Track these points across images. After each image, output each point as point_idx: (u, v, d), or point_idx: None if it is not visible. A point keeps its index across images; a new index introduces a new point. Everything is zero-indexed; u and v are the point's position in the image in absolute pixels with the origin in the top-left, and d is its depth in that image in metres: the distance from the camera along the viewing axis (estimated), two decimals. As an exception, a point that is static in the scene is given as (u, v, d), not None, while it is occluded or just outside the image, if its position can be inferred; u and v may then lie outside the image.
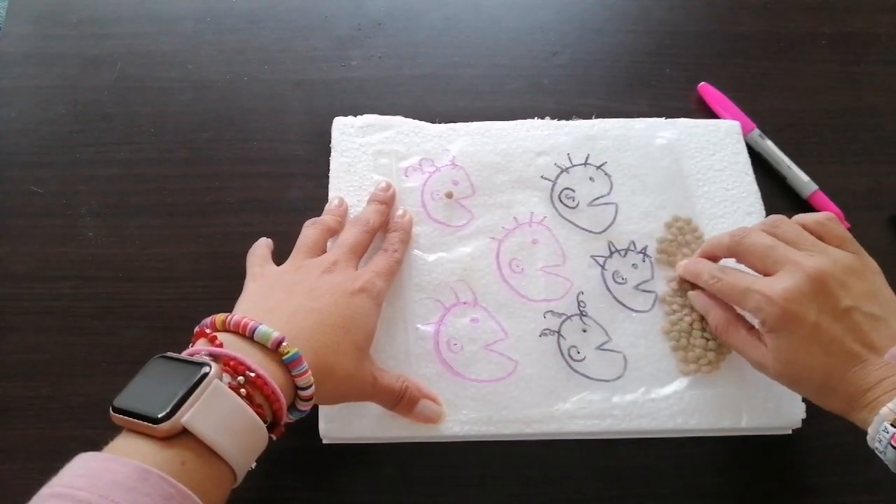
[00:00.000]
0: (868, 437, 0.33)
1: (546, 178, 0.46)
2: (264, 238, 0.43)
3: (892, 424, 0.31)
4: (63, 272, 0.45)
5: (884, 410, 0.31)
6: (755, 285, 0.36)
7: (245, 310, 0.35)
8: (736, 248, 0.39)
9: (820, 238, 0.37)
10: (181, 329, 0.34)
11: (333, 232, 0.42)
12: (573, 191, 0.46)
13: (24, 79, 0.52)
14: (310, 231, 0.41)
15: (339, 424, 0.39)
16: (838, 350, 0.34)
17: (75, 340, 0.44)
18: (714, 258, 0.42)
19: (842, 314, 0.34)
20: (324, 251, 0.41)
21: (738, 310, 0.40)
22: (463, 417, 0.40)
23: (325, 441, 0.40)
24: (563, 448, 0.41)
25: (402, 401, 0.38)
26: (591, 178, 0.46)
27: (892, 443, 0.31)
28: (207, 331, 0.32)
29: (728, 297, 0.39)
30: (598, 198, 0.46)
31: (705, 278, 0.40)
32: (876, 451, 0.32)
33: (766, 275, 0.37)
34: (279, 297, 0.36)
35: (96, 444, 0.28)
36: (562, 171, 0.47)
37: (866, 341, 0.34)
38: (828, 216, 0.38)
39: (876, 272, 0.37)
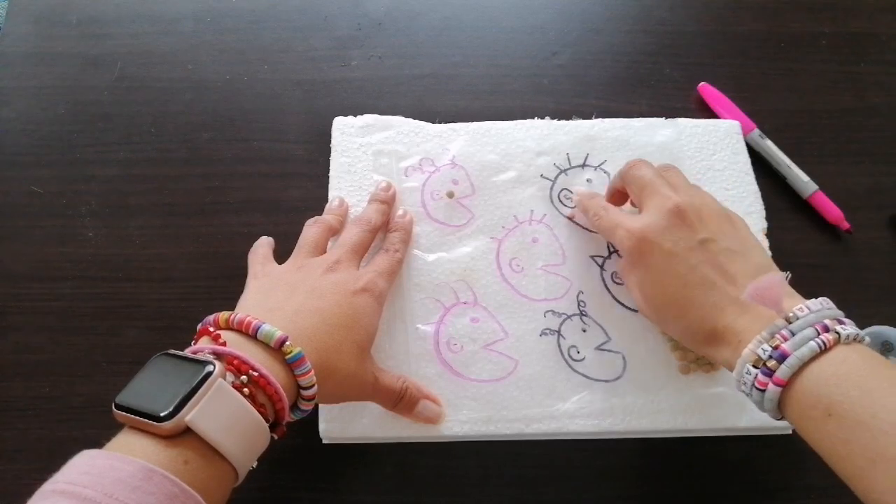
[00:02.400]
0: (734, 380, 0.32)
1: (545, 178, 0.46)
2: (265, 237, 0.43)
3: (753, 366, 0.31)
4: (63, 272, 0.45)
5: (745, 352, 0.31)
6: (623, 221, 0.38)
7: (248, 308, 0.35)
8: (625, 176, 0.40)
9: None
10: (181, 329, 0.34)
11: (334, 231, 0.42)
12: (571, 192, 0.46)
13: (24, 79, 0.52)
14: (311, 230, 0.41)
15: (340, 424, 0.39)
16: (694, 277, 0.34)
17: (75, 340, 0.44)
18: (615, 196, 0.43)
19: (698, 245, 0.35)
20: (325, 250, 0.41)
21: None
22: (463, 417, 0.40)
23: (325, 441, 0.40)
24: (563, 448, 0.41)
25: (402, 401, 0.38)
26: (588, 180, 0.46)
27: (757, 385, 0.30)
28: (210, 329, 0.32)
29: (604, 234, 0.41)
30: (597, 198, 0.46)
31: (591, 214, 0.41)
32: (743, 393, 0.32)
33: (641, 207, 0.38)
34: (281, 296, 0.36)
35: (96, 444, 0.28)
36: (560, 172, 0.47)
37: (723, 271, 0.34)
38: None
39: (740, 219, 0.37)
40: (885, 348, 0.44)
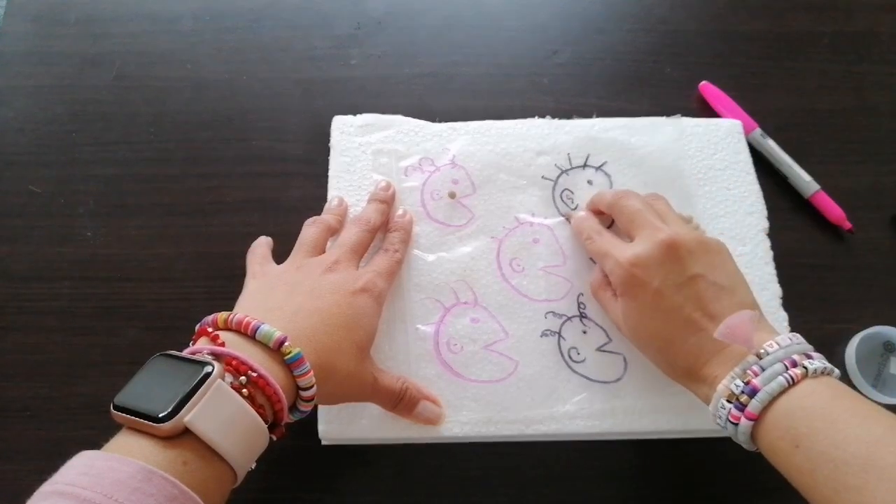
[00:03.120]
0: (710, 413, 0.33)
1: (546, 178, 0.46)
2: (264, 237, 0.43)
3: (727, 400, 0.32)
4: (62, 272, 0.45)
5: (720, 387, 0.32)
6: (613, 250, 0.38)
7: (246, 309, 0.35)
8: (612, 207, 0.41)
9: None
10: (181, 329, 0.33)
11: (334, 231, 0.42)
12: (572, 192, 0.46)
13: (23, 78, 0.52)
14: (310, 229, 0.41)
15: (339, 425, 0.39)
16: (678, 318, 0.35)
17: (75, 340, 0.44)
18: (598, 212, 0.43)
19: (687, 282, 0.35)
20: (324, 250, 0.41)
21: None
22: (463, 418, 0.40)
23: (324, 442, 0.40)
24: (564, 449, 0.41)
25: (402, 402, 0.38)
26: (589, 181, 0.46)
27: (731, 419, 0.32)
28: (209, 329, 0.32)
29: (596, 258, 0.41)
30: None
31: (584, 237, 0.42)
32: (718, 426, 0.33)
33: (631, 237, 0.38)
34: (281, 296, 0.36)
35: (96, 445, 0.27)
36: (561, 173, 0.46)
37: (707, 310, 0.34)
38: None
39: (726, 251, 0.38)
40: (887, 348, 0.44)
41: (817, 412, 0.30)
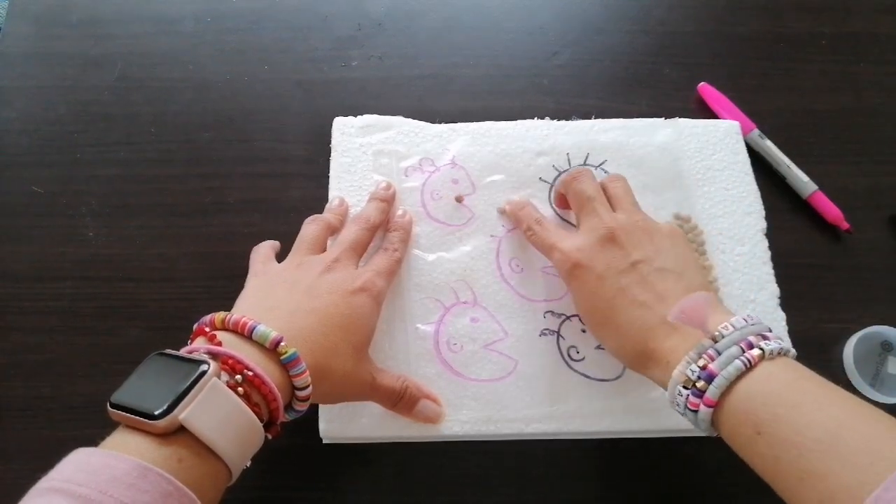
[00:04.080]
0: (668, 398, 0.32)
1: (543, 181, 0.46)
2: (272, 241, 0.43)
3: (684, 387, 0.31)
4: (63, 272, 0.46)
5: (675, 373, 0.31)
6: (559, 242, 0.38)
7: (245, 308, 0.35)
8: (567, 188, 0.41)
9: None
10: (181, 329, 0.34)
11: (334, 230, 0.42)
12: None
13: (25, 79, 0.52)
14: (311, 227, 0.41)
15: (340, 424, 0.39)
16: (624, 298, 0.34)
17: (75, 340, 0.44)
18: (562, 195, 0.43)
19: (629, 268, 0.35)
20: (324, 248, 0.41)
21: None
22: (463, 417, 0.40)
23: (325, 441, 0.40)
24: (564, 447, 0.41)
25: (401, 401, 0.38)
26: None
27: (689, 406, 0.31)
28: (206, 329, 0.32)
29: (540, 250, 0.41)
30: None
31: (523, 228, 0.42)
32: (676, 411, 0.32)
33: (578, 223, 0.39)
34: (279, 295, 0.36)
35: (96, 444, 0.28)
36: (560, 174, 0.47)
37: (653, 291, 0.34)
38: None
39: (678, 234, 0.38)
40: (884, 348, 0.44)
41: (778, 397, 0.29)
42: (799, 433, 0.27)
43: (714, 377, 0.30)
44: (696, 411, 0.31)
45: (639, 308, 0.34)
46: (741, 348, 0.30)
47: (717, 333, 0.31)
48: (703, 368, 0.30)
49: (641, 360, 0.34)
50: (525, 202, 0.44)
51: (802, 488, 0.27)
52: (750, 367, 0.30)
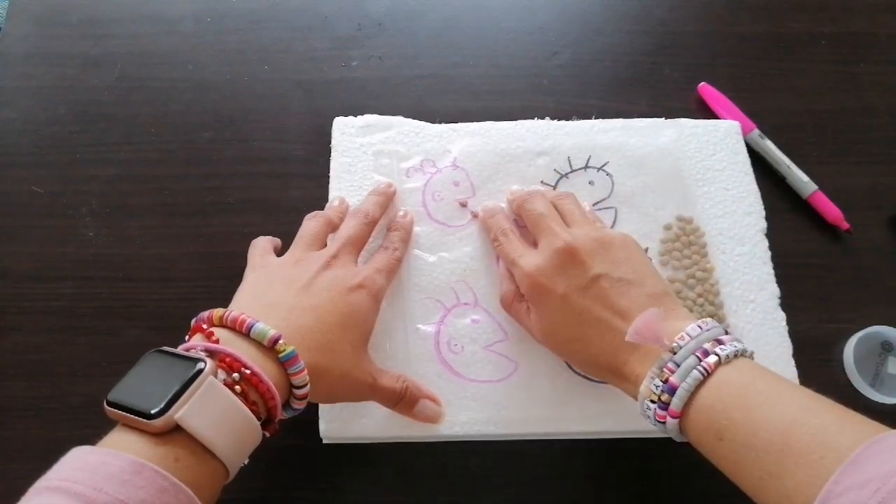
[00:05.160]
0: (639, 411, 0.33)
1: (546, 184, 0.46)
2: (270, 237, 0.42)
3: (651, 401, 0.32)
4: (63, 272, 0.46)
5: (642, 389, 0.32)
6: (520, 259, 0.38)
7: (243, 304, 0.35)
8: (519, 210, 0.42)
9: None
10: (181, 329, 0.34)
11: (334, 226, 0.42)
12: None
13: (25, 79, 0.52)
14: (311, 223, 0.41)
15: (340, 424, 0.39)
16: (588, 319, 0.35)
17: (75, 340, 0.44)
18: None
19: (590, 283, 0.35)
20: (324, 245, 0.40)
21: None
22: (463, 418, 0.40)
23: (325, 441, 0.40)
24: (563, 448, 0.41)
25: (402, 401, 0.38)
26: (590, 182, 0.46)
27: (658, 419, 0.32)
28: (204, 326, 0.32)
29: (505, 262, 0.41)
30: (597, 202, 0.46)
31: (491, 237, 0.42)
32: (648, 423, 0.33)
33: (536, 242, 0.39)
34: (277, 291, 0.36)
35: (95, 444, 0.28)
36: (561, 177, 0.47)
37: (615, 308, 0.35)
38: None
39: (632, 243, 0.38)
40: (884, 348, 0.44)
41: (734, 402, 0.29)
42: (755, 435, 0.28)
43: (676, 389, 0.31)
44: (664, 423, 0.32)
45: (603, 327, 0.35)
46: (697, 357, 0.31)
47: (674, 345, 0.32)
48: (665, 382, 0.31)
49: (613, 376, 0.35)
50: (496, 209, 0.44)
51: (763, 489, 0.28)
52: (707, 374, 0.30)
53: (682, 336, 0.32)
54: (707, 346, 0.31)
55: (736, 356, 0.31)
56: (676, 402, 0.31)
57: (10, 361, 0.43)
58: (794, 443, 0.27)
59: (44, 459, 0.26)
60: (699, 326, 0.32)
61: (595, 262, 0.36)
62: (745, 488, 0.29)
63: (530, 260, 0.38)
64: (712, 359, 0.31)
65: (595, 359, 0.35)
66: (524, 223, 0.43)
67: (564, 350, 0.38)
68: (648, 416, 0.33)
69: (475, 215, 0.45)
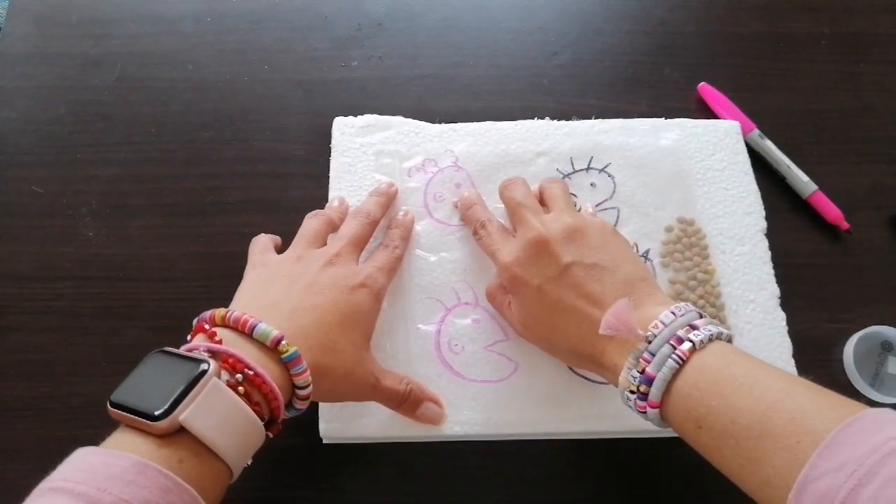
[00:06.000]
0: (622, 402, 0.33)
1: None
2: (271, 235, 0.42)
3: (631, 392, 0.32)
4: (63, 272, 0.46)
5: (621, 381, 0.32)
6: (498, 252, 0.38)
7: (245, 303, 0.35)
8: (501, 196, 0.42)
9: None
10: (181, 329, 0.33)
11: (334, 226, 0.42)
12: (575, 196, 0.46)
13: (25, 79, 0.52)
14: (312, 222, 0.41)
15: (340, 424, 0.39)
16: (563, 309, 0.35)
17: (75, 340, 0.44)
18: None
19: (562, 272, 0.35)
20: (325, 243, 0.40)
21: None
22: (463, 418, 0.40)
23: (325, 441, 0.40)
24: (564, 448, 0.41)
25: (405, 403, 0.38)
26: (592, 184, 0.46)
27: (639, 409, 0.32)
28: (206, 326, 0.32)
29: (485, 252, 0.41)
30: (599, 203, 0.46)
31: (472, 227, 0.42)
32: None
33: (514, 230, 0.39)
34: (279, 290, 0.35)
35: (96, 444, 0.28)
36: (563, 177, 0.46)
37: (589, 296, 0.34)
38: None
39: (608, 230, 0.38)
40: (884, 348, 0.44)
41: (710, 390, 0.29)
42: (733, 422, 0.28)
43: (653, 380, 0.31)
44: (645, 413, 0.32)
45: (579, 316, 0.34)
46: (672, 345, 0.31)
47: (649, 334, 0.31)
48: (642, 373, 0.31)
49: (593, 365, 0.35)
50: (473, 200, 0.43)
51: (744, 475, 0.28)
52: (683, 362, 0.30)
53: (656, 324, 0.31)
54: (681, 332, 0.31)
55: (710, 340, 0.31)
56: (654, 393, 0.31)
57: (10, 361, 0.43)
58: (772, 428, 0.27)
59: (44, 459, 0.26)
60: (672, 312, 0.32)
61: (567, 250, 0.36)
62: (729, 475, 0.29)
63: (507, 251, 0.38)
64: (686, 346, 0.30)
65: (574, 348, 0.35)
66: None
67: (544, 341, 0.38)
68: (630, 407, 0.32)
69: (455, 205, 0.45)
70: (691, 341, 0.30)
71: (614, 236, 0.38)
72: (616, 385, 0.33)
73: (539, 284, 0.36)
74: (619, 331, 0.32)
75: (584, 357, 0.35)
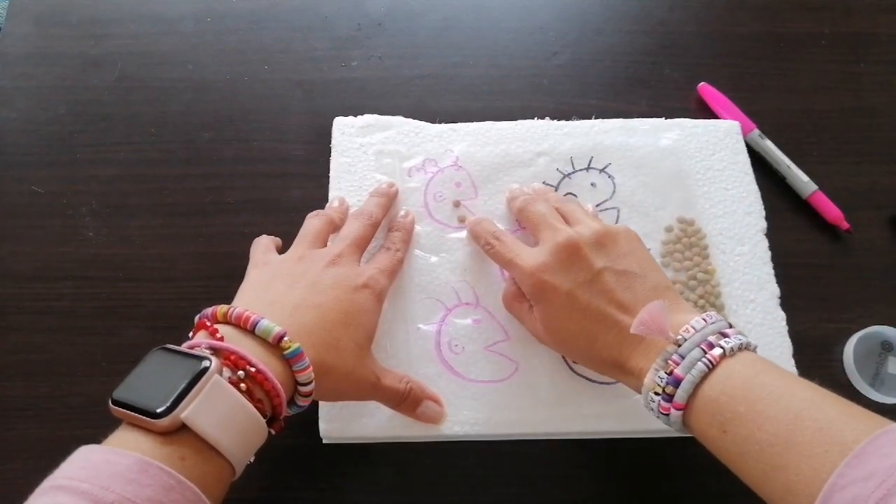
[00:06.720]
0: (643, 404, 0.33)
1: (548, 184, 0.46)
2: (272, 236, 0.42)
3: (655, 393, 0.32)
4: (63, 272, 0.46)
5: (646, 381, 0.32)
6: (517, 258, 0.38)
7: (247, 301, 0.35)
8: (520, 214, 0.42)
9: None
10: (181, 328, 0.33)
11: (336, 226, 0.42)
12: (576, 196, 0.46)
13: (25, 79, 0.52)
14: (313, 221, 0.41)
15: (340, 424, 0.39)
16: (593, 314, 0.35)
17: (75, 340, 0.44)
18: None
19: (594, 278, 0.35)
20: (326, 243, 0.40)
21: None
22: (463, 418, 0.40)
23: (325, 441, 0.40)
24: (564, 448, 0.41)
25: (405, 401, 0.38)
26: (592, 184, 0.46)
27: (662, 411, 0.32)
28: (208, 323, 0.32)
29: (500, 265, 0.41)
30: (599, 203, 0.46)
31: (482, 243, 0.42)
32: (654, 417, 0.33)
33: (536, 241, 0.39)
34: (281, 288, 0.35)
35: (98, 443, 0.28)
36: (564, 177, 0.47)
37: (619, 302, 0.35)
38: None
39: (634, 237, 0.38)
40: (884, 348, 0.44)
41: (738, 396, 0.29)
42: (759, 429, 0.28)
43: (680, 381, 0.31)
44: (668, 415, 0.32)
45: (608, 322, 0.34)
46: (702, 350, 0.31)
47: (679, 338, 0.32)
48: (670, 374, 0.31)
49: (617, 371, 0.35)
50: (483, 218, 0.43)
51: (766, 481, 0.28)
52: (712, 367, 0.30)
53: (687, 329, 0.32)
54: (712, 338, 0.31)
55: (740, 349, 0.31)
56: (681, 394, 0.31)
57: (10, 361, 0.43)
58: (799, 437, 0.27)
59: (44, 459, 0.26)
60: (704, 319, 0.32)
61: (598, 255, 0.36)
62: (748, 481, 0.29)
63: (531, 258, 0.37)
64: (717, 351, 0.31)
65: (598, 354, 0.35)
66: (523, 226, 0.43)
67: (568, 346, 0.38)
68: (652, 409, 0.33)
69: (462, 220, 0.45)
70: (722, 348, 0.31)
71: (640, 244, 0.38)
72: (638, 390, 0.33)
73: (569, 290, 0.35)
74: (651, 330, 0.32)
75: (608, 363, 0.35)
